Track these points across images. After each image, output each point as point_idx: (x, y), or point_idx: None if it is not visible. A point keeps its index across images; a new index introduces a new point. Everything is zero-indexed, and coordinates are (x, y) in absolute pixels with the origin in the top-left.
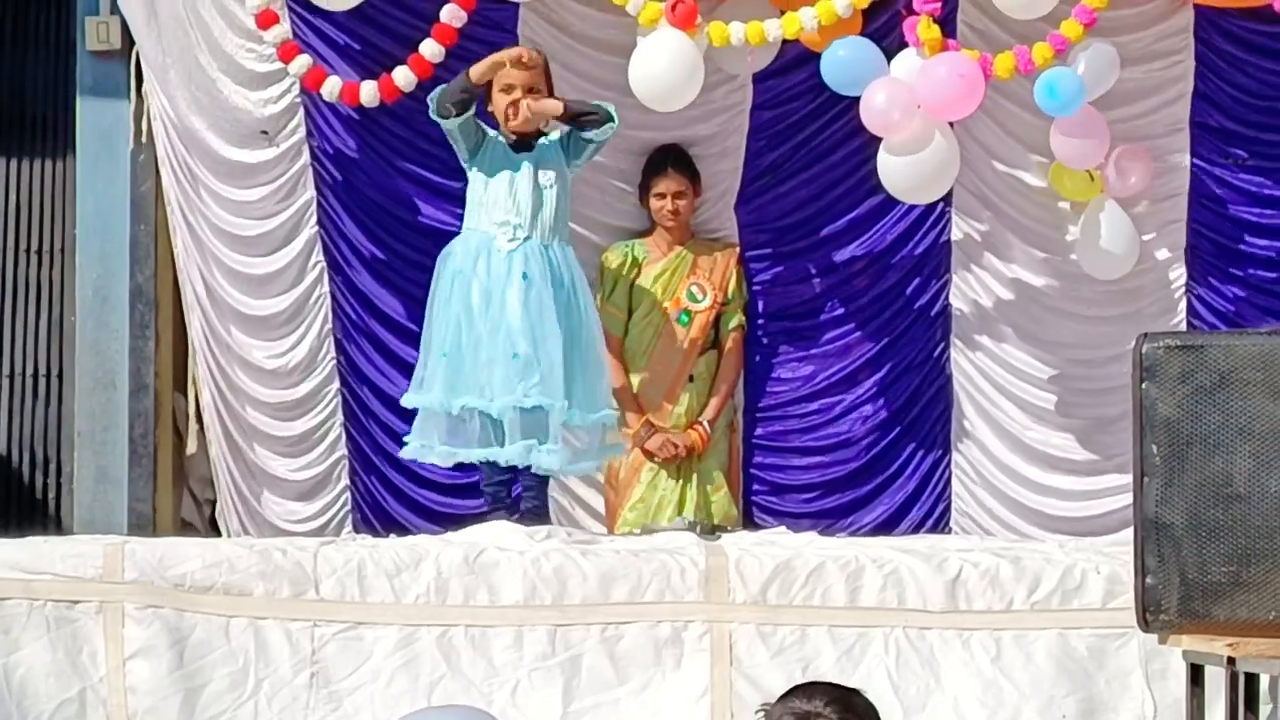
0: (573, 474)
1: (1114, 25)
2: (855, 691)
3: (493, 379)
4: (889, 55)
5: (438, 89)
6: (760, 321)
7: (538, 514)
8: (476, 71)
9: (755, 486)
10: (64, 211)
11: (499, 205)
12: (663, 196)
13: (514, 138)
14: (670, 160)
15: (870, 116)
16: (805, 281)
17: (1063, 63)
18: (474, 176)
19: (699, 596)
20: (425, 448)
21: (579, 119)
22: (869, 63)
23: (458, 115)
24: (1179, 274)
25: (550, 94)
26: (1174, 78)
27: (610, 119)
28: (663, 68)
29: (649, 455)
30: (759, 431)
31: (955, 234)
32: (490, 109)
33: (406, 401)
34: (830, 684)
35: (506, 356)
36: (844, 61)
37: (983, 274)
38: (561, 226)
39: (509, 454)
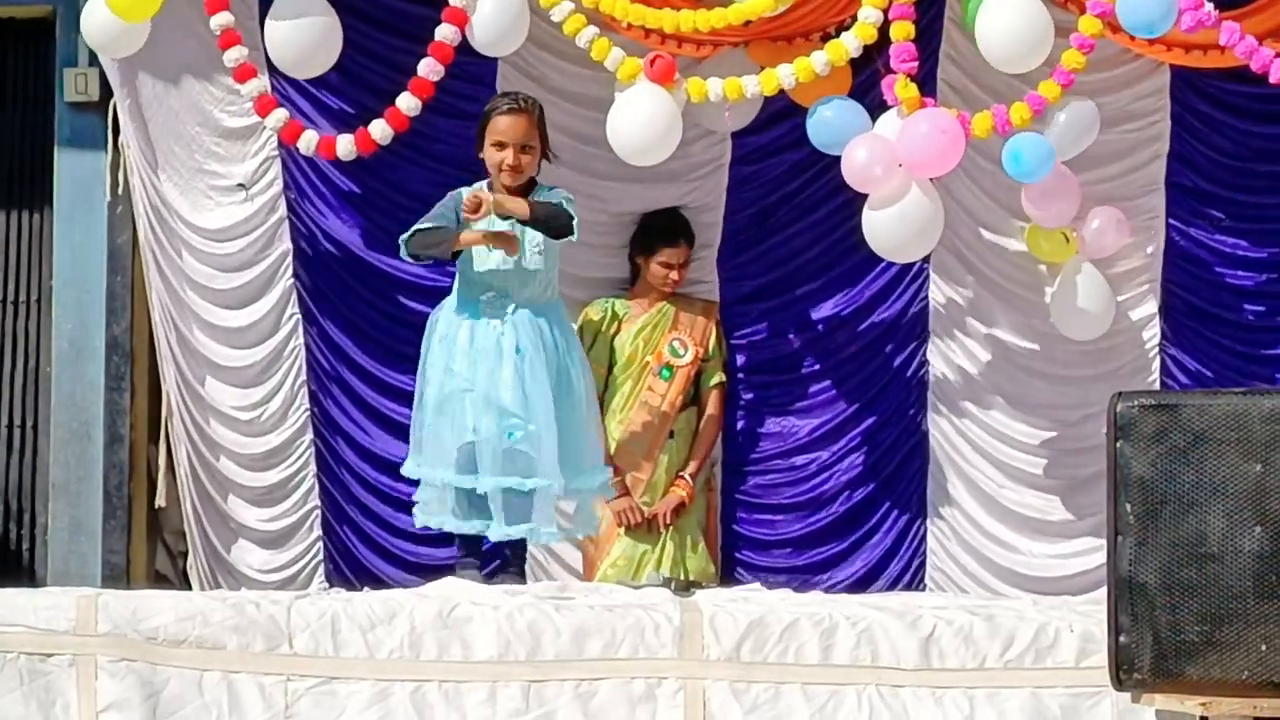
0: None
1: (1090, 87)
2: None
3: (483, 456)
4: (872, 113)
5: (413, 232)
6: (739, 376)
7: (516, 577)
8: (467, 239)
9: (734, 541)
10: (41, 262)
11: (484, 281)
12: (669, 266)
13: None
14: (680, 229)
15: (852, 172)
16: (784, 337)
17: (1041, 121)
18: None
19: (673, 653)
20: (429, 512)
21: (540, 226)
22: (853, 123)
23: (427, 262)
24: (1153, 334)
25: (545, 146)
26: (1150, 138)
27: (570, 231)
28: (640, 122)
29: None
30: (737, 487)
31: (934, 293)
32: (480, 156)
33: (407, 471)
34: None
35: (500, 435)
36: (829, 122)
37: (960, 334)
38: (550, 290)
39: (503, 532)
